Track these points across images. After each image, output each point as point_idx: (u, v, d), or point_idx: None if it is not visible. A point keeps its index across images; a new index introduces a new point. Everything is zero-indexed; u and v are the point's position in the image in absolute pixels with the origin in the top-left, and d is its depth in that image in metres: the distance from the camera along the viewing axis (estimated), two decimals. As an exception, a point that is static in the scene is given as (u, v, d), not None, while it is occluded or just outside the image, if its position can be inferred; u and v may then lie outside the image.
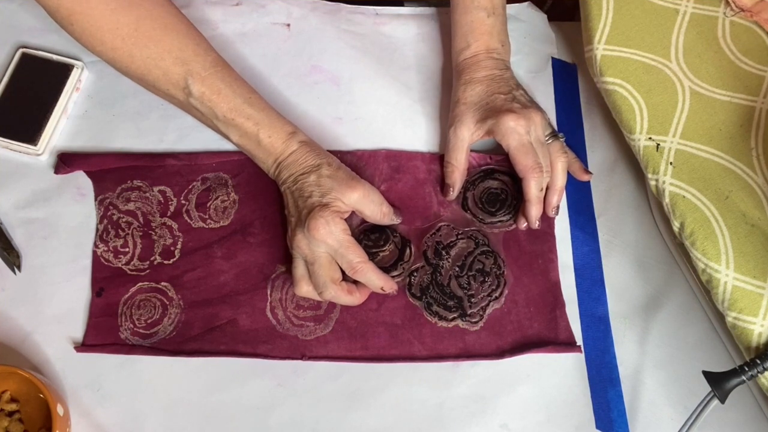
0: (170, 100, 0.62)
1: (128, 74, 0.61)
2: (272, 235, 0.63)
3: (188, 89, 0.59)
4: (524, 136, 0.60)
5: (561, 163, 0.62)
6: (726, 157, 0.59)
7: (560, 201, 0.63)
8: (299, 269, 0.58)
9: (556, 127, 0.68)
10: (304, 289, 0.58)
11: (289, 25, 0.71)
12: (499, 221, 0.64)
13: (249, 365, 0.59)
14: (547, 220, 0.64)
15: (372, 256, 0.61)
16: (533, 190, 0.61)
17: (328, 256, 0.57)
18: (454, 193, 0.64)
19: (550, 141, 0.62)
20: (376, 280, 0.58)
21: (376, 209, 0.60)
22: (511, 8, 0.72)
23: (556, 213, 0.63)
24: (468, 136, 0.62)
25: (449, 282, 0.62)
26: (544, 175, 0.61)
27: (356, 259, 0.57)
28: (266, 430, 0.58)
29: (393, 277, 0.61)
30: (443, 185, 0.64)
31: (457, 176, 0.63)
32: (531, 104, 0.63)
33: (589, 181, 0.67)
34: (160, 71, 0.58)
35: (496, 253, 0.63)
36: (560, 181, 0.62)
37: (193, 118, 0.63)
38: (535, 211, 0.61)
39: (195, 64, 0.59)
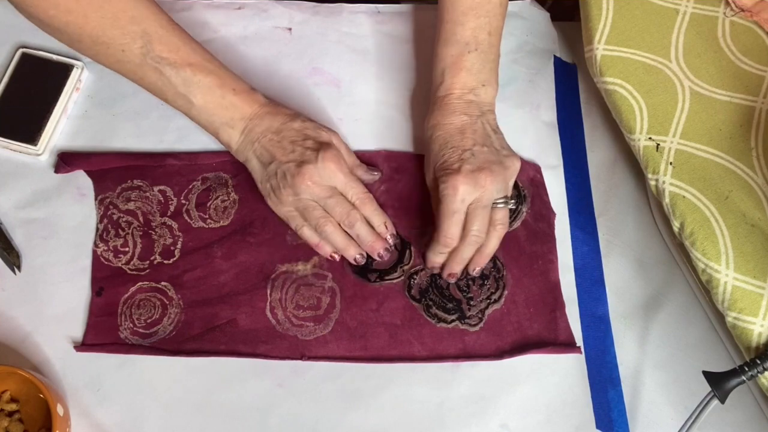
0: (122, 67, 0.59)
1: (80, 39, 0.57)
2: (272, 235, 0.63)
3: (146, 47, 0.57)
4: (457, 204, 0.57)
5: (496, 232, 0.59)
6: (726, 157, 0.59)
7: (483, 264, 0.60)
8: (317, 210, 0.59)
9: (556, 127, 0.68)
10: (339, 233, 0.59)
11: (290, 29, 0.71)
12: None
13: (249, 365, 0.59)
14: (547, 221, 0.65)
15: (371, 259, 0.61)
16: (433, 253, 0.60)
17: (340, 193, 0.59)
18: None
19: (499, 206, 0.59)
20: (380, 215, 0.60)
21: (350, 155, 0.62)
22: (514, 5, 0.72)
23: (477, 274, 0.61)
24: (438, 172, 0.60)
25: (448, 285, 0.62)
26: (471, 239, 0.58)
27: (363, 189, 0.60)
28: (266, 430, 0.58)
29: (393, 279, 0.62)
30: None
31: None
32: (487, 164, 0.58)
33: (588, 181, 0.67)
34: (117, 31, 0.56)
35: (495, 256, 0.63)
36: (489, 248, 0.60)
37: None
38: (432, 265, 0.61)
39: (151, 23, 0.57)
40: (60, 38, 0.58)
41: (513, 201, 0.61)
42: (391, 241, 0.61)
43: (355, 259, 0.61)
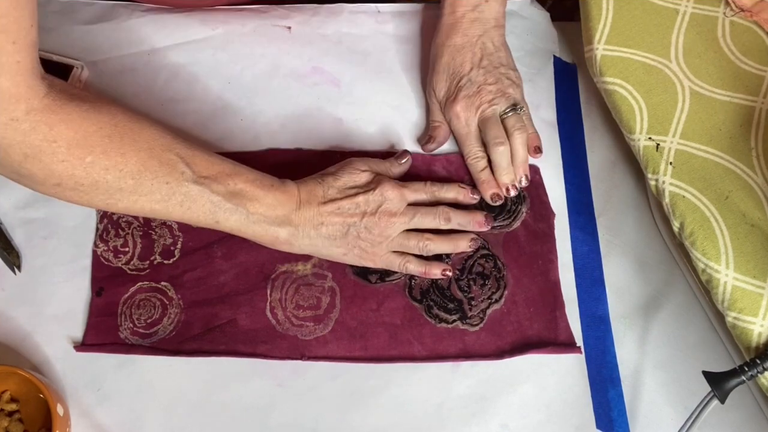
0: (167, 204, 0.54)
1: (121, 186, 0.52)
2: (272, 235, 0.63)
3: (187, 172, 0.54)
4: (463, 127, 0.63)
5: (516, 138, 0.62)
6: (726, 157, 0.59)
7: (525, 171, 0.63)
8: (412, 238, 0.60)
9: (556, 127, 0.68)
10: (442, 241, 0.61)
11: (289, 27, 0.71)
12: (499, 225, 0.64)
13: (249, 365, 0.59)
14: (546, 221, 0.65)
15: None
16: (475, 174, 0.64)
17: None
18: (434, 146, 0.66)
19: (508, 114, 0.63)
20: (450, 189, 0.62)
21: (377, 163, 0.63)
22: (513, 5, 0.72)
23: (526, 182, 0.63)
24: (442, 101, 0.65)
25: (449, 285, 0.62)
26: (493, 147, 0.62)
27: (422, 185, 0.61)
28: (266, 430, 0.58)
29: (393, 280, 0.61)
30: (428, 138, 0.66)
31: (442, 131, 0.66)
32: (484, 84, 0.63)
33: (588, 181, 0.67)
34: (155, 161, 0.53)
35: (495, 257, 0.63)
36: (519, 155, 0.63)
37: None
38: (486, 187, 0.63)
39: (180, 146, 0.55)
40: (93, 198, 0.52)
41: (521, 107, 0.63)
42: (476, 198, 0.63)
43: (469, 246, 0.61)
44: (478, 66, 0.63)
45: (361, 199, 0.58)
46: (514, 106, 0.63)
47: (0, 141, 0.47)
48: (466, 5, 0.64)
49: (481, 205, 0.64)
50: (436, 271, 0.60)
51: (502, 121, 0.63)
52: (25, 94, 0.47)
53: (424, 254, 0.60)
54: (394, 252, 0.60)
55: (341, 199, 0.58)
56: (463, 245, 0.61)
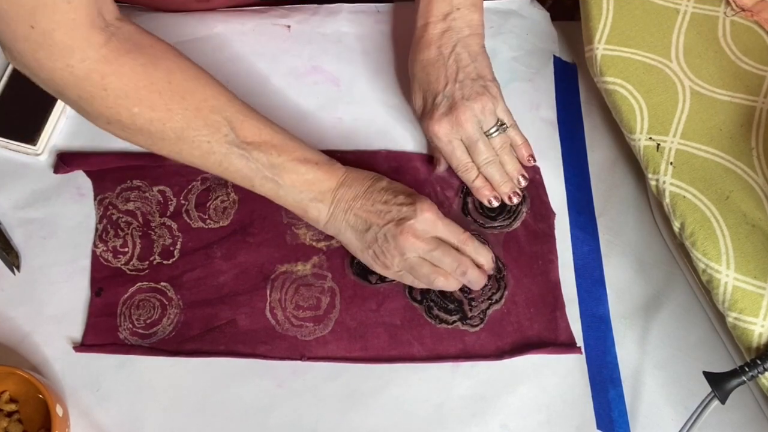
0: (206, 160, 0.56)
1: (163, 136, 0.55)
2: (272, 235, 0.63)
3: (230, 135, 0.55)
4: (446, 145, 0.61)
5: (504, 156, 0.62)
6: (726, 157, 0.59)
7: (521, 173, 0.63)
8: (425, 266, 0.58)
9: (556, 127, 0.68)
10: (452, 281, 0.58)
11: (289, 27, 0.71)
12: (499, 225, 0.64)
13: (248, 365, 0.59)
14: (547, 221, 0.64)
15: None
16: (468, 184, 0.63)
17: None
18: (443, 167, 0.65)
19: (493, 134, 0.61)
20: (485, 250, 0.60)
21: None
22: (513, 4, 0.72)
23: (525, 182, 0.63)
24: (421, 119, 0.64)
25: None
26: (484, 166, 0.62)
27: (462, 230, 0.59)
28: (266, 430, 0.58)
29: (392, 280, 0.61)
30: (436, 160, 0.65)
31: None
32: (460, 101, 0.60)
33: (589, 181, 0.67)
34: (200, 121, 0.54)
35: (495, 257, 0.63)
36: (509, 166, 0.63)
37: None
38: (483, 192, 0.63)
39: (231, 110, 0.56)
40: (139, 140, 0.56)
41: (505, 126, 0.62)
42: (493, 271, 0.61)
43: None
44: (454, 80, 0.61)
45: (394, 207, 0.58)
46: (498, 126, 0.61)
47: (57, 82, 0.51)
48: (435, 15, 0.61)
49: (480, 207, 0.64)
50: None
51: (488, 139, 0.62)
52: (80, 46, 0.49)
53: (458, 276, 0.58)
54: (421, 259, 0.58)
55: (379, 201, 0.58)
56: (484, 282, 0.60)
